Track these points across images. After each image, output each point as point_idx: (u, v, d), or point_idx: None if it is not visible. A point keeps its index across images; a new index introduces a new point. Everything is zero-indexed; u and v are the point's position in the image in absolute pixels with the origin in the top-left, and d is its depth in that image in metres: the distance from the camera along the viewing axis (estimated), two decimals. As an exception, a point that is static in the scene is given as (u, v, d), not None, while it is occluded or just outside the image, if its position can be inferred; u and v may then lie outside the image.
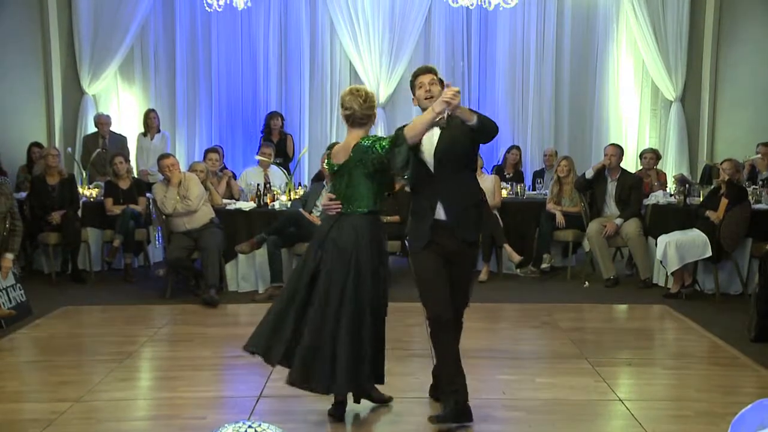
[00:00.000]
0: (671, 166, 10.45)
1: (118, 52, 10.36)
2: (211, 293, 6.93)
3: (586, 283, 7.89)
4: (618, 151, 8.04)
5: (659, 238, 7.26)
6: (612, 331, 6.21)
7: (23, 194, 8.31)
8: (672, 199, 8.07)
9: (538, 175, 9.80)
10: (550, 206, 8.36)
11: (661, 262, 7.28)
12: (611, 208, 7.99)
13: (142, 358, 5.40)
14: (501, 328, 6.39)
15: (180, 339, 5.85)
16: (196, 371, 4.99)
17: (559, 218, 8.20)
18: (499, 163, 9.96)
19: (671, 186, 8.76)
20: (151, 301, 7.15)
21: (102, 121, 9.61)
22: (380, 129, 10.57)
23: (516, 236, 8.32)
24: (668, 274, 7.32)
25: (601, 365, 5.08)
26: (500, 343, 5.76)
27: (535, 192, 9.34)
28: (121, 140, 9.71)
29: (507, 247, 8.01)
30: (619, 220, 7.80)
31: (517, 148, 9.99)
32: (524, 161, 10.58)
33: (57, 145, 9.89)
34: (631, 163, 10.00)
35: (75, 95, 10.45)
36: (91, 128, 9.82)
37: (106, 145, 9.46)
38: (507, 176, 9.60)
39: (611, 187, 8.00)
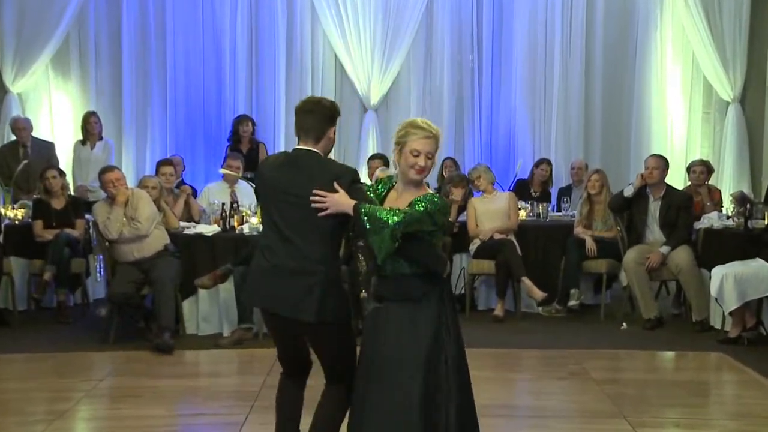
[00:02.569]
0: (728, 182, 10.49)
1: (50, 40, 10.38)
2: (165, 337, 6.91)
3: (624, 324, 7.89)
4: (661, 163, 8.07)
5: (714, 270, 7.27)
6: (656, 383, 6.20)
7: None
8: (729, 222, 8.09)
9: (564, 192, 9.82)
10: (578, 230, 8.38)
11: (716, 299, 7.29)
12: (654, 233, 8.00)
13: (77, 419, 5.37)
14: (520, 379, 6.39)
15: (125, 394, 5.82)
16: (144, 433, 4.97)
17: (590, 245, 8.21)
18: (524, 177, 9.97)
19: (728, 206, 8.79)
20: (90, 348, 7.11)
21: (20, 125, 9.55)
22: (371, 135, 10.63)
23: (537, 267, 8.33)
24: (725, 314, 7.33)
25: (643, 426, 5.07)
26: (519, 398, 5.75)
27: (560, 213, 9.36)
28: (47, 148, 9.69)
29: (526, 281, 8.01)
30: (665, 249, 7.81)
31: (548, 162, 10.03)
32: (548, 176, 10.64)
33: (-27, 156, 9.88)
34: (677, 179, 10.04)
35: (-4, 94, 10.47)
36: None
37: (27, 155, 9.43)
38: (534, 195, 9.64)
39: (654, 207, 8.02)
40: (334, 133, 3.96)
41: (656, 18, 10.81)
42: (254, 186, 4.29)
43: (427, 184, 4.06)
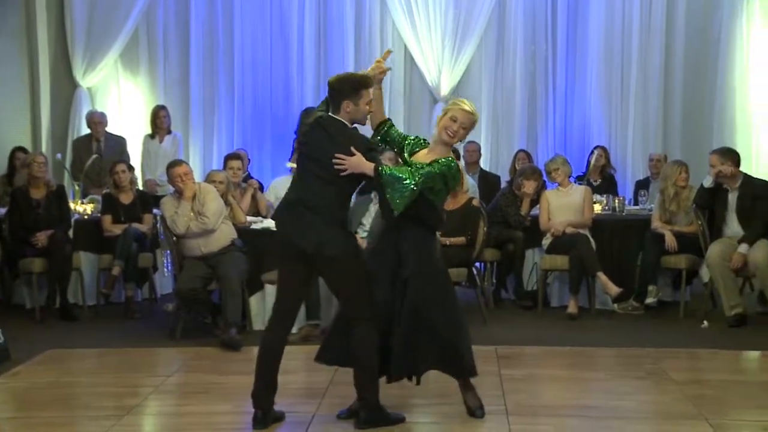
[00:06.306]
0: (818, 174, 10.23)
1: (120, 35, 10.60)
2: (232, 333, 6.99)
3: (705, 322, 7.76)
4: (719, 159, 7.76)
5: (800, 267, 7.13)
6: (740, 384, 6.09)
7: (2, 210, 8.49)
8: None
9: (642, 185, 9.70)
10: (657, 225, 8.25)
11: (803, 297, 7.15)
12: (732, 226, 7.77)
13: (146, 414, 5.46)
14: (595, 378, 6.33)
15: (193, 390, 5.90)
16: (213, 430, 5.04)
17: (670, 240, 8.07)
18: (584, 171, 9.86)
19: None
20: (158, 343, 7.24)
21: (96, 120, 9.82)
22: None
23: (613, 262, 8.26)
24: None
25: (725, 428, 5.00)
26: (594, 398, 5.69)
27: (637, 207, 9.24)
28: (119, 143, 9.92)
29: (601, 276, 7.95)
30: (743, 248, 7.56)
31: (602, 148, 9.94)
32: (624, 168, 10.47)
33: (44, 149, 10.11)
34: (765, 171, 9.83)
35: (66, 89, 10.72)
36: (86, 129, 10.03)
37: (101, 150, 9.65)
38: (594, 183, 9.52)
39: (732, 198, 7.81)
40: (356, 105, 4.77)
41: (741, 2, 10.56)
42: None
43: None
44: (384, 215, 4.86)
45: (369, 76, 4.93)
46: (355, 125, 4.86)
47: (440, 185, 4.82)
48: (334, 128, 4.77)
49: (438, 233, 5.08)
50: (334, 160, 4.67)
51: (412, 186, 4.65)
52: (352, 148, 4.68)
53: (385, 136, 5.09)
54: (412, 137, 5.08)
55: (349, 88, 4.78)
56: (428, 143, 5.04)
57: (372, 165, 4.67)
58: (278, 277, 5.06)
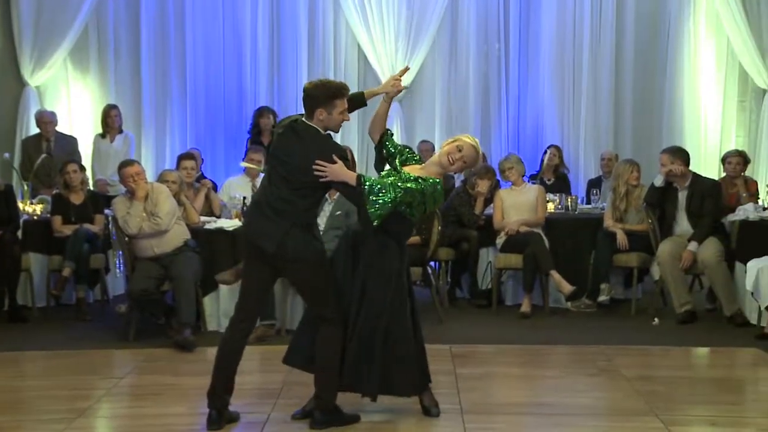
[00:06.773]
0: (765, 173, 10.40)
1: (69, 32, 10.45)
2: (186, 334, 6.96)
3: (656, 320, 7.87)
4: (670, 158, 7.90)
5: (749, 264, 7.23)
6: (690, 380, 6.19)
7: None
8: (766, 214, 8.02)
9: (594, 184, 9.80)
10: (609, 224, 8.35)
11: (752, 294, 7.25)
12: (682, 224, 7.93)
13: (98, 417, 5.42)
14: (548, 376, 6.39)
15: (147, 392, 5.88)
16: (166, 432, 5.02)
17: (621, 239, 8.18)
18: (537, 170, 9.96)
19: (764, 197, 8.74)
20: (111, 345, 7.18)
21: (45, 119, 9.71)
22: (395, 128, 10.63)
23: (566, 261, 8.32)
24: (762, 308, 7.29)
25: (676, 424, 5.05)
26: (547, 395, 5.75)
27: (590, 206, 9.34)
28: (70, 143, 9.82)
29: (555, 275, 8.03)
30: (693, 246, 7.72)
31: (556, 147, 10.04)
32: (577, 167, 10.58)
33: (-9, 150, 9.99)
34: (712, 170, 9.99)
35: (14, 88, 10.57)
36: (35, 128, 9.92)
37: (51, 150, 9.56)
38: (548, 182, 9.63)
39: (682, 197, 7.95)
40: (330, 114, 4.78)
41: (689, 3, 10.72)
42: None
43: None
44: (362, 224, 4.89)
45: (345, 86, 4.92)
46: (329, 132, 4.88)
47: (416, 201, 4.86)
48: (307, 134, 4.78)
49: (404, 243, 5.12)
50: (314, 167, 4.67)
51: (391, 198, 4.72)
52: (334, 156, 4.71)
53: (388, 145, 5.17)
54: (408, 151, 5.20)
55: (323, 96, 4.78)
56: (422, 162, 5.15)
57: (354, 174, 4.73)
58: (242, 276, 5.10)
